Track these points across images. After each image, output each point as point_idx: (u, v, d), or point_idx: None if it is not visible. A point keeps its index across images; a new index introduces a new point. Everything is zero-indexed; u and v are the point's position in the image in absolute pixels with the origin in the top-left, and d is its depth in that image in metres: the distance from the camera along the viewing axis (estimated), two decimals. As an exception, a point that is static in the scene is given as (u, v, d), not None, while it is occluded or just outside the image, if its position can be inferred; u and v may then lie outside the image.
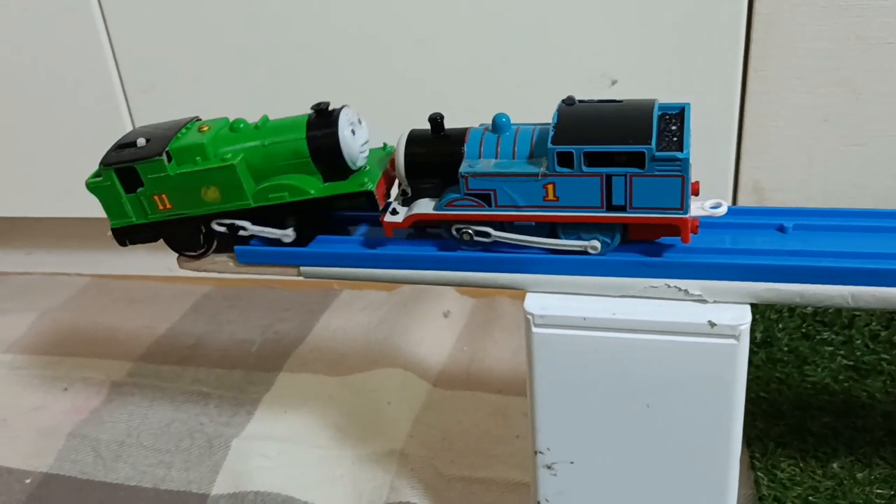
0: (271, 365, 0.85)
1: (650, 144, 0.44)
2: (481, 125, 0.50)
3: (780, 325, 0.78)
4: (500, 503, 0.66)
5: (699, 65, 0.78)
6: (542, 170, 0.46)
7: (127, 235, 0.56)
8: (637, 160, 0.45)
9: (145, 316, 0.95)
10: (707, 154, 0.81)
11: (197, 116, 0.56)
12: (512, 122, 0.50)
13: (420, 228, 0.53)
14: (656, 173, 0.45)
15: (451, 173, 0.49)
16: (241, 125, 0.53)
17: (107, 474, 0.72)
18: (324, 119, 0.51)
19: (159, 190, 0.53)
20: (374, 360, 0.83)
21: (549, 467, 0.52)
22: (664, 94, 0.79)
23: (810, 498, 0.61)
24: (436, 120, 0.50)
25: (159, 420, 0.78)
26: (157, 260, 1.06)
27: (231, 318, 0.94)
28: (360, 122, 0.53)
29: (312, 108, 0.52)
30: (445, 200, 0.49)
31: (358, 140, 0.52)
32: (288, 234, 0.51)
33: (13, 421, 0.79)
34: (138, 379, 0.84)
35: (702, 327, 0.45)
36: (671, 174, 0.44)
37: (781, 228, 0.49)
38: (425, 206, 0.50)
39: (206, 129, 0.53)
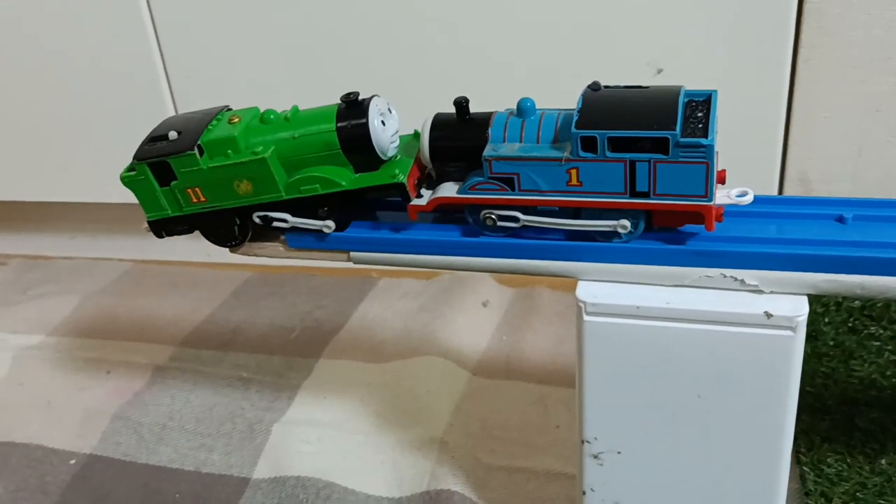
0: (311, 351, 0.85)
1: (675, 130, 0.44)
2: (506, 109, 0.50)
3: (827, 319, 0.77)
4: (541, 493, 0.66)
5: (747, 53, 0.77)
6: (566, 154, 0.46)
7: (163, 227, 0.57)
8: (661, 146, 0.44)
9: (186, 301, 0.96)
10: (753, 144, 0.80)
11: (227, 106, 0.56)
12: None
13: (446, 213, 0.53)
14: (680, 160, 0.44)
15: (475, 157, 0.48)
16: (272, 116, 0.52)
17: (149, 456, 0.73)
18: (354, 110, 0.51)
19: (192, 183, 0.53)
20: (414, 348, 0.83)
21: (595, 457, 0.51)
22: (710, 84, 0.79)
23: (858, 494, 0.61)
24: (461, 104, 0.50)
25: (201, 404, 0.78)
26: (198, 246, 1.07)
27: (271, 305, 0.94)
28: (390, 111, 0.52)
29: (342, 98, 0.51)
30: (469, 184, 0.49)
31: (388, 130, 0.51)
32: (329, 225, 0.51)
33: (58, 403, 0.80)
34: (180, 363, 0.85)
35: (758, 318, 0.44)
36: (696, 161, 0.44)
37: (840, 219, 0.48)
38: (449, 190, 0.50)
39: (236, 120, 0.52)
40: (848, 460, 0.63)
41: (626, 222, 0.47)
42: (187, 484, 0.69)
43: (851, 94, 0.77)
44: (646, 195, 0.46)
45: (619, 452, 0.51)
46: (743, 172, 0.81)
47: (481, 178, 0.48)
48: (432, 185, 0.52)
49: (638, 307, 0.46)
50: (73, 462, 0.73)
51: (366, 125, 0.50)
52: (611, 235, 0.48)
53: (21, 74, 0.96)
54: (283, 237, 0.53)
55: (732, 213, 0.50)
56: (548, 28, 0.80)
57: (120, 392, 0.81)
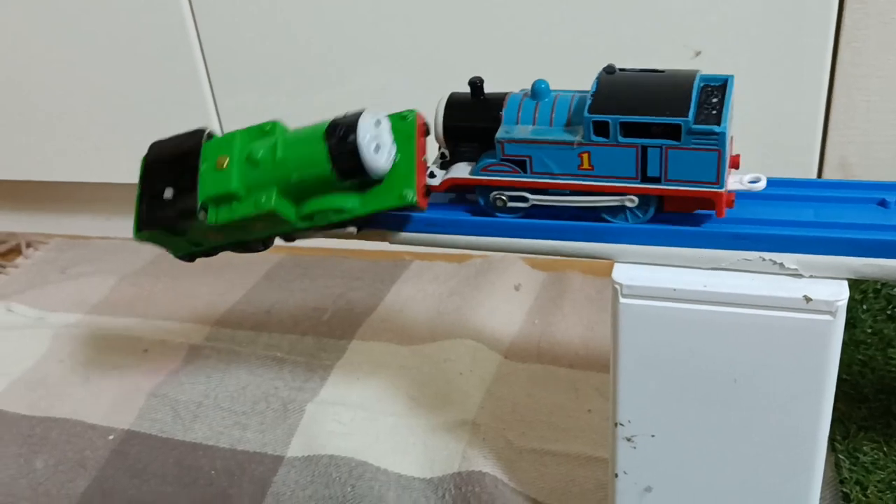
0: (343, 333, 0.86)
1: (687, 117, 0.43)
2: (521, 90, 0.50)
3: (865, 307, 0.76)
4: (572, 476, 0.66)
5: (787, 35, 0.76)
6: (578, 138, 0.46)
7: (191, 257, 0.59)
8: (673, 132, 0.44)
9: (221, 283, 0.97)
10: (793, 128, 0.79)
11: (204, 129, 0.55)
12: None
13: (461, 194, 0.53)
14: (692, 146, 0.44)
15: (489, 138, 0.48)
16: (259, 155, 0.50)
17: (185, 433, 0.74)
18: (343, 145, 0.48)
19: (206, 232, 0.53)
20: (445, 331, 0.83)
21: (628, 440, 0.51)
22: (749, 66, 0.78)
23: (894, 482, 0.60)
24: (475, 84, 0.50)
25: (235, 383, 0.79)
26: (232, 227, 1.08)
27: (303, 287, 0.95)
28: (378, 122, 0.49)
29: (327, 137, 0.48)
30: (481, 165, 0.49)
31: (383, 152, 0.49)
32: (351, 231, 0.52)
33: (96, 380, 0.82)
34: (215, 343, 0.86)
35: (797, 302, 0.44)
36: (707, 148, 0.44)
37: (883, 203, 0.47)
38: (462, 171, 0.50)
39: (225, 164, 0.51)
40: (884, 449, 0.62)
41: (634, 196, 0.47)
42: (222, 460, 0.70)
43: (894, 77, 0.75)
44: (657, 180, 0.46)
45: (652, 435, 0.51)
46: (782, 157, 0.81)
47: (494, 160, 0.49)
48: (446, 166, 0.52)
49: (674, 290, 0.46)
50: (111, 437, 0.74)
51: (360, 162, 0.48)
52: (617, 211, 0.48)
53: (60, 56, 0.98)
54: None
55: (770, 196, 0.49)
56: (585, 8, 0.80)
57: (156, 370, 0.82)
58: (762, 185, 0.47)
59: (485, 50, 0.85)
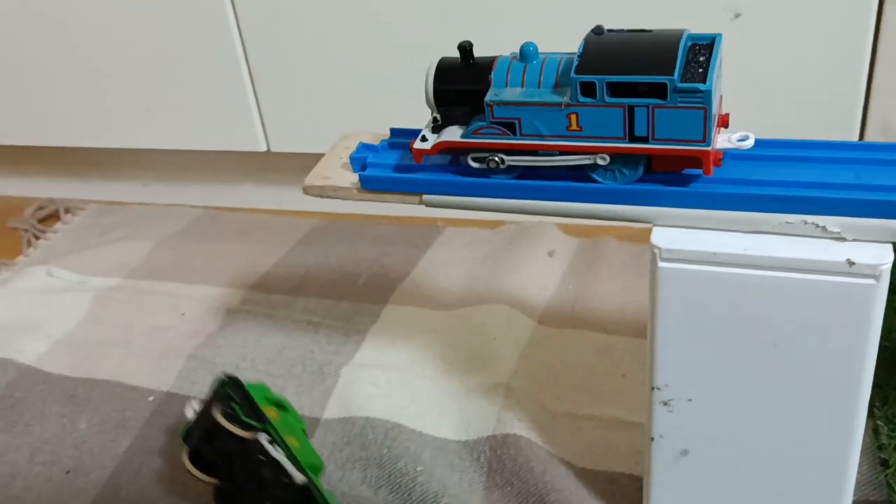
0: (378, 297, 0.86)
1: (673, 76, 0.44)
2: (511, 54, 0.50)
3: (905, 273, 0.75)
4: (606, 440, 0.66)
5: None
6: (566, 99, 0.46)
7: None
8: (659, 91, 0.44)
9: (256, 247, 0.98)
10: (834, 90, 0.78)
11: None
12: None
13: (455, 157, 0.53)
14: (679, 105, 0.44)
15: (479, 101, 0.49)
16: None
17: (224, 395, 0.75)
18: None
19: None
20: (479, 296, 0.84)
21: (665, 404, 0.51)
22: (791, 26, 0.76)
23: (933, 449, 0.59)
24: (465, 48, 0.50)
25: (272, 346, 0.80)
26: (267, 193, 1.09)
27: (338, 252, 0.95)
28: None
29: None
30: (472, 128, 0.50)
31: None
32: None
33: (135, 342, 0.83)
34: (251, 307, 0.87)
35: (839, 266, 0.43)
36: (694, 106, 0.44)
37: (927, 165, 0.46)
38: (453, 134, 0.51)
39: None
40: (924, 416, 0.62)
41: (606, 155, 0.47)
42: (260, 422, 0.71)
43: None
44: (644, 140, 0.46)
45: (689, 400, 0.51)
46: (823, 119, 0.79)
47: (484, 123, 0.49)
48: (438, 130, 0.52)
49: (715, 253, 0.45)
50: (151, 398, 0.75)
51: None
52: (603, 171, 0.48)
53: (98, 22, 0.98)
54: (356, 179, 0.54)
55: (809, 159, 0.49)
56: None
57: (194, 333, 0.83)
58: (750, 143, 0.47)
59: (475, 14, 0.84)
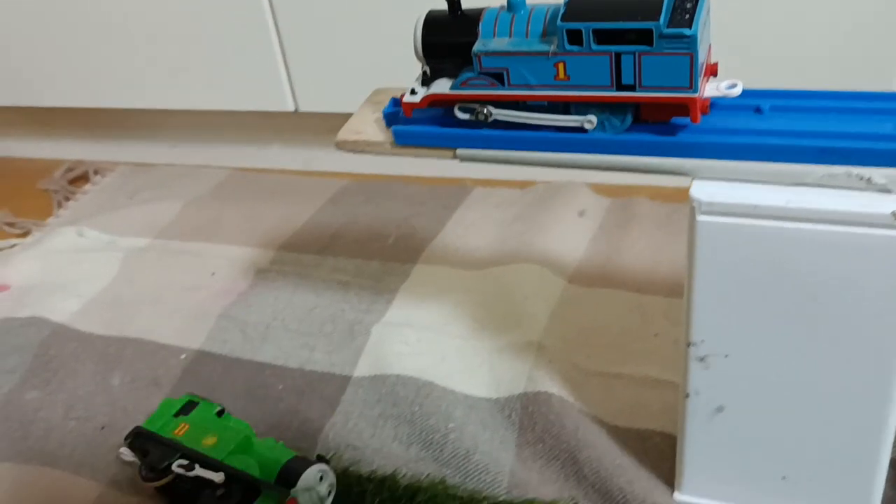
0: (407, 257, 0.86)
1: (658, 21, 0.43)
2: (499, 6, 0.50)
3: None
4: (638, 398, 0.66)
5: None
6: (553, 48, 0.46)
7: None
8: (645, 37, 0.44)
9: (285, 207, 0.97)
10: (873, 39, 0.76)
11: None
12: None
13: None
14: (665, 51, 0.44)
15: (467, 53, 0.49)
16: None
17: (254, 354, 0.75)
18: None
19: None
20: (509, 256, 0.83)
21: (701, 360, 0.51)
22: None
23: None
24: (453, 0, 0.50)
25: (302, 306, 0.80)
26: (295, 154, 1.08)
27: (367, 212, 0.95)
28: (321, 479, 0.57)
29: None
30: (460, 80, 0.49)
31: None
32: None
33: (166, 301, 0.84)
34: (281, 266, 0.87)
35: (885, 218, 0.42)
36: (680, 52, 0.43)
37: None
38: (442, 86, 0.51)
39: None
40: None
41: (593, 118, 0.48)
42: (291, 380, 0.72)
43: None
44: (632, 88, 0.46)
45: (725, 356, 0.50)
46: (860, 69, 0.77)
47: (472, 74, 0.49)
48: (428, 83, 0.52)
49: (756, 206, 0.44)
50: (182, 357, 0.76)
51: None
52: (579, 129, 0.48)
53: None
54: (389, 134, 0.53)
55: (851, 109, 0.47)
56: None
57: (225, 292, 0.84)
58: (738, 90, 0.46)
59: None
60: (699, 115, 0.45)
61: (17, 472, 0.66)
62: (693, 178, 0.47)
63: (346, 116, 0.57)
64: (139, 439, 0.62)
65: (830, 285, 0.45)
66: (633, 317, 0.74)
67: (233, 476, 0.56)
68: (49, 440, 0.68)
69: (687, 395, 0.52)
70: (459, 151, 0.51)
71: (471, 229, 0.89)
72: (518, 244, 0.84)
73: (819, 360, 0.48)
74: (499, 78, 0.48)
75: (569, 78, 0.47)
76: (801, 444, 0.52)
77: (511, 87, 0.48)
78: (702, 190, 0.46)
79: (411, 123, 0.52)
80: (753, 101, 0.49)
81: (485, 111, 0.50)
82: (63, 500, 0.62)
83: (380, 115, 0.55)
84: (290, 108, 0.99)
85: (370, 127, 0.55)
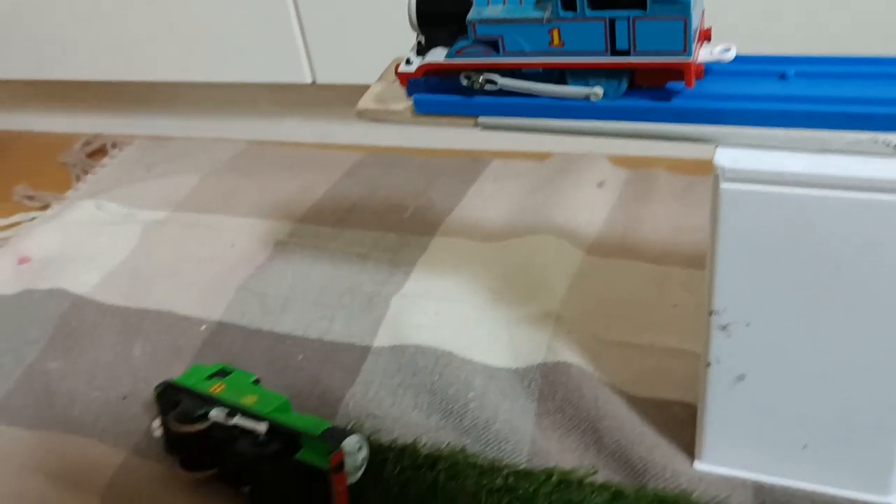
0: (425, 229, 0.86)
1: None
2: None
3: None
4: (658, 368, 0.66)
5: None
6: (547, 14, 0.46)
7: None
8: (639, 2, 0.44)
9: (302, 180, 0.98)
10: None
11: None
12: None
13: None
14: (658, 16, 0.44)
15: (462, 21, 0.49)
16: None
17: (274, 325, 0.76)
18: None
19: None
20: (527, 228, 0.83)
21: (723, 328, 0.51)
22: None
23: None
24: None
25: (321, 278, 0.80)
26: (312, 127, 1.08)
27: (384, 185, 0.95)
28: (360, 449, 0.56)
29: (326, 441, 0.54)
30: (456, 48, 0.50)
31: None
32: None
33: (185, 273, 0.84)
34: (299, 239, 0.87)
35: (911, 184, 0.42)
36: (673, 16, 0.44)
37: None
38: (438, 55, 0.51)
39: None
40: None
41: (600, 90, 0.48)
42: (311, 350, 0.72)
43: None
44: (626, 53, 0.46)
45: (747, 324, 0.50)
46: (888, 34, 0.76)
47: (467, 42, 0.49)
48: (423, 52, 0.52)
49: (780, 173, 0.44)
50: (203, 328, 0.76)
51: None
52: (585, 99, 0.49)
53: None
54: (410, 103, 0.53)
55: (876, 75, 0.47)
56: None
57: (243, 264, 0.84)
58: (732, 55, 0.46)
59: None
60: (693, 79, 0.46)
61: (42, 439, 0.67)
62: (717, 146, 0.47)
63: (364, 88, 0.57)
64: (170, 390, 0.62)
65: (853, 253, 0.45)
66: (651, 288, 0.74)
67: (276, 429, 0.56)
68: (72, 409, 0.69)
69: (708, 364, 0.52)
70: (481, 119, 0.51)
71: (489, 201, 0.89)
72: (536, 216, 0.84)
73: (841, 327, 0.48)
74: (494, 46, 0.49)
75: (563, 44, 0.47)
76: (822, 413, 0.52)
77: (506, 54, 0.49)
78: (726, 157, 0.46)
79: (432, 92, 0.52)
80: (778, 67, 0.48)
81: (480, 80, 0.50)
82: (88, 467, 0.63)
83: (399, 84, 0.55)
84: (308, 80, 0.99)
85: (390, 96, 0.55)
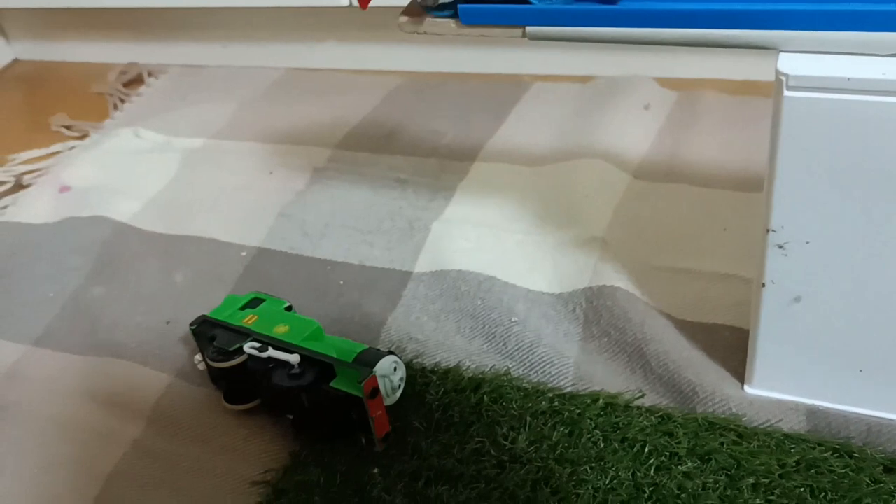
0: (465, 154, 0.84)
1: None
2: None
3: None
4: (706, 292, 0.64)
5: None
6: None
7: None
8: None
9: (339, 107, 0.96)
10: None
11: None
12: None
13: None
14: None
15: None
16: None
17: (314, 250, 0.75)
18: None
19: None
20: (570, 152, 0.81)
21: (780, 247, 0.49)
22: None
23: None
24: None
25: (360, 203, 0.79)
26: (348, 53, 1.06)
27: (422, 110, 0.93)
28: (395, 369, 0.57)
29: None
30: None
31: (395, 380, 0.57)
32: None
33: (224, 200, 0.83)
34: (338, 165, 0.86)
35: None
36: None
37: None
38: None
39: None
40: None
41: None
42: (352, 275, 0.71)
43: None
44: None
45: (807, 242, 0.48)
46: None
47: None
48: None
49: (848, 79, 0.41)
50: (243, 254, 0.76)
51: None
52: None
53: None
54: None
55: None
56: None
57: (282, 191, 0.83)
58: None
59: None
60: None
61: (89, 363, 0.67)
62: (779, 52, 0.44)
63: (400, 9, 0.54)
64: (205, 326, 0.62)
65: (926, 165, 0.43)
66: (700, 211, 0.72)
67: (308, 358, 0.56)
68: (117, 334, 0.69)
69: (763, 285, 0.51)
70: (529, 30, 0.49)
71: (530, 125, 0.87)
72: (580, 139, 0.82)
73: (906, 246, 0.46)
74: None
75: None
76: (880, 336, 0.50)
77: None
78: (789, 64, 0.43)
79: (477, 1, 0.50)
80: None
81: None
82: (135, 389, 0.64)
83: (442, -6, 0.52)
84: (344, 2, 0.96)
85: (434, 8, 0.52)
